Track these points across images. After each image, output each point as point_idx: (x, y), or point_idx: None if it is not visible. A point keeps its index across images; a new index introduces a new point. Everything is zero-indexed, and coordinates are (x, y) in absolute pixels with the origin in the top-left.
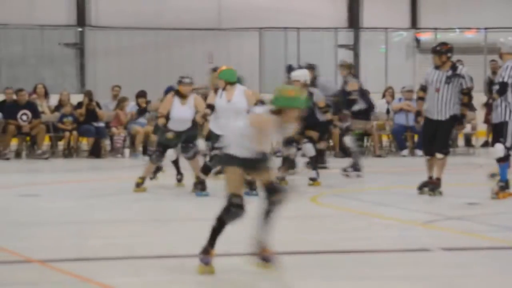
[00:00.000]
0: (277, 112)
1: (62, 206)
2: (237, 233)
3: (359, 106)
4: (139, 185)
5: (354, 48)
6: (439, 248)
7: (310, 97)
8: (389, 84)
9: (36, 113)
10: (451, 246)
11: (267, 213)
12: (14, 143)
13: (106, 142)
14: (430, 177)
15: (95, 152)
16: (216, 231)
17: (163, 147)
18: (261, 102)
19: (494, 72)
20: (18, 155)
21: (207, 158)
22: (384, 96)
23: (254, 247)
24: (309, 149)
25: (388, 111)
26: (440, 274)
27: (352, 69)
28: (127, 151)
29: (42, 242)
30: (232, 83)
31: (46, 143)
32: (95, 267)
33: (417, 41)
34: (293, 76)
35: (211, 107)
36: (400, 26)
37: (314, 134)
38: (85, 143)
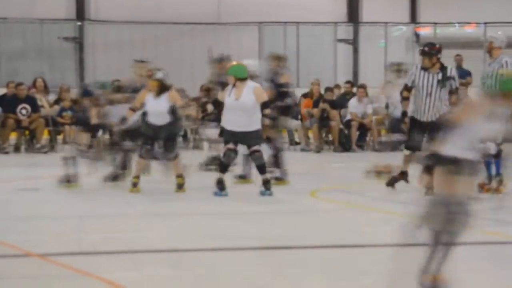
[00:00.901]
0: (499, 97)
1: (61, 200)
2: (234, 228)
3: (289, 101)
4: (135, 184)
5: (354, 42)
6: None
7: None
8: (388, 78)
9: (35, 107)
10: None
11: (444, 239)
12: (13, 137)
13: (106, 137)
14: (403, 172)
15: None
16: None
17: (150, 141)
18: None
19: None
20: (17, 149)
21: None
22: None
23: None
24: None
25: (387, 106)
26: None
27: (283, 61)
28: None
29: (42, 236)
30: (242, 79)
31: (45, 137)
32: (95, 261)
33: (417, 35)
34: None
35: (219, 103)
36: (399, 20)
37: (272, 132)
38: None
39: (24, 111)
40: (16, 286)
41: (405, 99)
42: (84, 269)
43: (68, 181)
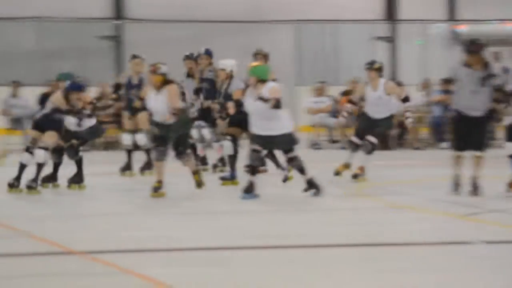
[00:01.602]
0: None
1: (103, 198)
2: (271, 227)
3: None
4: (156, 189)
5: (392, 40)
6: (478, 241)
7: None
8: (426, 76)
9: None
10: (491, 239)
11: None
12: None
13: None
14: (458, 175)
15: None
16: None
17: (161, 142)
18: None
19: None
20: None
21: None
22: (422, 88)
23: None
24: (228, 147)
25: (425, 104)
26: (478, 266)
27: (268, 59)
28: None
29: (84, 234)
30: (263, 81)
31: None
32: (135, 258)
33: (455, 32)
34: (220, 64)
35: (239, 103)
36: (437, 18)
37: (236, 131)
38: None
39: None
40: (59, 283)
41: (447, 92)
42: (126, 266)
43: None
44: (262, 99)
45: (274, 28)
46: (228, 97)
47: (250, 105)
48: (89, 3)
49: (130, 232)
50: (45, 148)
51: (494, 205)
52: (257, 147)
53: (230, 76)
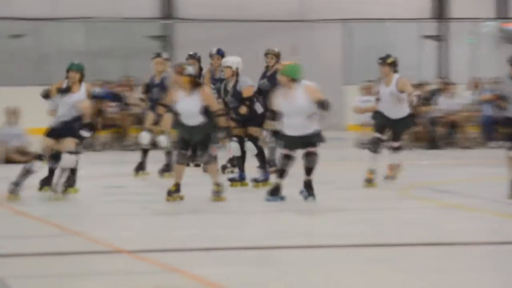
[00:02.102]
0: None
1: (148, 197)
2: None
3: None
4: (171, 193)
5: (442, 38)
6: None
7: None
8: (476, 74)
9: (123, 105)
10: None
11: None
12: (102, 135)
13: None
14: None
15: None
16: None
17: (184, 145)
18: None
19: None
20: (106, 146)
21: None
22: (472, 87)
23: None
24: (235, 148)
25: (475, 103)
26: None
27: (280, 58)
28: None
29: (130, 232)
30: (295, 80)
31: (133, 134)
32: (181, 257)
33: (503, 30)
34: (225, 62)
35: (250, 101)
36: (487, 16)
37: (256, 130)
38: None
39: (112, 109)
40: (105, 282)
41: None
42: (171, 264)
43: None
44: (321, 103)
45: (322, 27)
46: (237, 95)
47: (285, 105)
48: (138, 3)
49: (169, 231)
50: (72, 152)
51: None
52: (288, 152)
53: (236, 74)
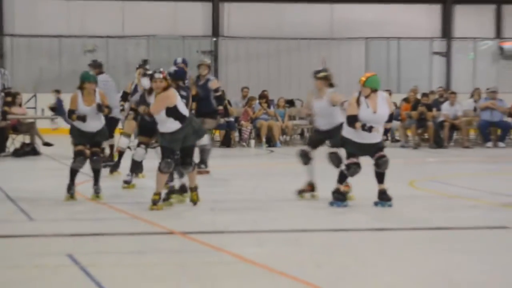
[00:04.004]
0: None
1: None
2: (344, 214)
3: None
4: (155, 202)
5: (447, 55)
6: None
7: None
8: (476, 86)
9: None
10: None
11: None
12: None
13: (235, 134)
14: None
15: (226, 142)
16: None
17: (170, 152)
18: None
19: None
20: None
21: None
22: (472, 96)
23: None
24: (141, 154)
25: (475, 109)
26: None
27: (210, 69)
28: (252, 142)
29: (183, 217)
30: (376, 91)
31: None
32: (226, 238)
33: (501, 49)
34: (200, 61)
35: (355, 118)
36: (486, 35)
37: (211, 122)
38: (217, 135)
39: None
40: (161, 258)
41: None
42: (217, 245)
43: None
44: (392, 115)
45: (348, 44)
46: (207, 91)
47: (368, 116)
48: (192, 23)
49: (217, 216)
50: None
51: None
52: (356, 159)
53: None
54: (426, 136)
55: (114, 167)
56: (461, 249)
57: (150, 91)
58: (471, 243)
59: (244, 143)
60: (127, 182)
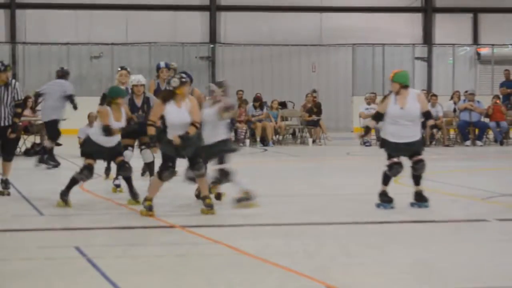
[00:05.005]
0: None
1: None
2: (332, 207)
3: None
4: (151, 208)
5: (428, 60)
6: (494, 219)
7: (147, 102)
8: (455, 89)
9: None
10: (504, 217)
11: None
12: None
13: (231, 135)
14: None
15: None
16: None
17: (171, 160)
18: None
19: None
20: None
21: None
22: (451, 98)
23: None
24: (149, 155)
25: (454, 110)
26: (495, 239)
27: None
28: (247, 142)
29: (183, 212)
30: (406, 87)
31: None
32: (223, 232)
33: (478, 54)
34: (135, 80)
35: (380, 116)
36: (464, 42)
37: (131, 141)
38: None
39: None
40: (162, 250)
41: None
42: (215, 238)
43: None
44: (428, 114)
45: (336, 50)
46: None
47: (395, 112)
48: (191, 31)
49: (224, 210)
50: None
51: (508, 190)
52: (397, 159)
53: (143, 91)
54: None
55: (107, 170)
56: (443, 241)
57: (168, 98)
58: (453, 235)
59: (241, 144)
60: (118, 186)
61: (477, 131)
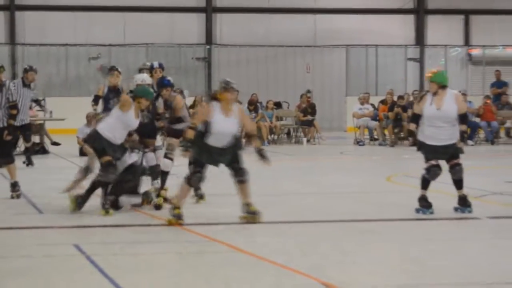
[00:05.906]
0: None
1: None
2: (329, 206)
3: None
4: (180, 217)
5: (420, 61)
6: (485, 216)
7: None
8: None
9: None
10: (494, 215)
11: None
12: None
13: None
14: None
15: None
16: None
17: (201, 166)
18: None
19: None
20: None
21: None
22: None
23: None
24: (152, 158)
25: None
26: (487, 237)
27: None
28: (243, 141)
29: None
30: (444, 87)
31: None
32: (220, 230)
33: (469, 55)
34: (139, 80)
35: (417, 117)
36: (456, 43)
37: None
38: None
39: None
40: (161, 247)
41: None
42: (211, 236)
43: None
44: (464, 117)
45: (330, 51)
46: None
47: (432, 113)
48: (187, 32)
49: (212, 209)
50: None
51: (498, 189)
52: (435, 161)
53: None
54: (402, 135)
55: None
56: (436, 238)
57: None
58: (445, 232)
59: None
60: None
61: (468, 130)
